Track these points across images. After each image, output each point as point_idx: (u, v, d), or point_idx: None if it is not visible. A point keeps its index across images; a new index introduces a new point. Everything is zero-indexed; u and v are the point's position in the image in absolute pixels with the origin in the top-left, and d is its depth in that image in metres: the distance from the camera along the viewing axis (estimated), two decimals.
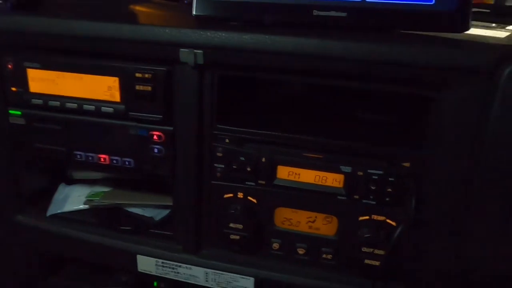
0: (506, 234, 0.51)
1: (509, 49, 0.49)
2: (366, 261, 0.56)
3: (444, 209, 0.53)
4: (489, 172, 0.49)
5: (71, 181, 0.76)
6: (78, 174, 0.76)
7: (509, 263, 0.52)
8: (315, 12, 0.52)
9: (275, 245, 0.62)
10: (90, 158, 0.63)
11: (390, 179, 0.54)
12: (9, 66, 0.61)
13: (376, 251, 0.56)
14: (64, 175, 0.76)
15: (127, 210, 0.70)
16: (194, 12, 0.55)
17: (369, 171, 0.54)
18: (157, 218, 0.69)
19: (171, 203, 0.67)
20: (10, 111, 0.63)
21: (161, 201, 0.69)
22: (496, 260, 0.53)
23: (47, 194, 0.74)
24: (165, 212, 0.70)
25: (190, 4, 0.55)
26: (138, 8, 0.71)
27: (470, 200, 0.51)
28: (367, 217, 0.57)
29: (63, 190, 0.74)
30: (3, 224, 0.71)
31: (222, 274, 0.63)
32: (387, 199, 0.55)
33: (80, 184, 0.75)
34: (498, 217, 0.51)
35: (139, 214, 0.69)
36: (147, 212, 0.69)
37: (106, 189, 0.72)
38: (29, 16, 0.58)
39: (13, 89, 0.62)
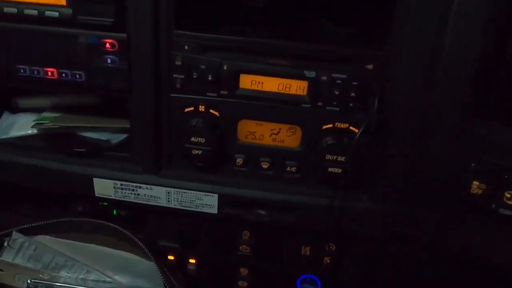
0: (464, 136, 0.53)
1: None
2: (330, 169, 0.56)
3: (406, 110, 0.53)
4: (449, 70, 0.50)
5: (16, 110, 0.70)
6: (24, 102, 0.70)
7: (462, 165, 0.54)
8: None
9: (239, 161, 0.60)
10: (35, 73, 0.58)
11: (353, 82, 0.53)
12: None
13: (339, 158, 0.56)
14: (8, 103, 0.70)
15: (80, 135, 0.65)
16: None
17: (333, 75, 0.53)
18: (114, 141, 0.65)
19: (127, 126, 0.64)
20: None
21: (116, 124, 0.65)
22: (454, 164, 0.54)
23: None
24: (122, 136, 0.66)
25: None
26: None
27: (432, 100, 0.52)
28: (330, 125, 0.56)
29: (7, 118, 0.68)
30: None
31: (184, 192, 0.61)
32: (351, 104, 0.55)
33: (27, 112, 0.70)
34: (455, 120, 0.53)
35: (93, 138, 0.65)
36: (102, 136, 0.65)
37: (56, 114, 0.67)
38: None
39: None
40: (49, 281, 0.65)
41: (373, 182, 0.59)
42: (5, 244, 0.68)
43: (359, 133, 0.53)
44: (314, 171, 0.59)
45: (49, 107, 0.70)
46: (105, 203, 0.68)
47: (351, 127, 0.56)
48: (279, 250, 0.68)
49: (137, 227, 0.69)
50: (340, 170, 0.56)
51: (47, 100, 0.70)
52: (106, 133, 0.66)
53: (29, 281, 0.65)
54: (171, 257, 0.72)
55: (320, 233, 0.63)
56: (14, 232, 0.66)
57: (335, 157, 0.56)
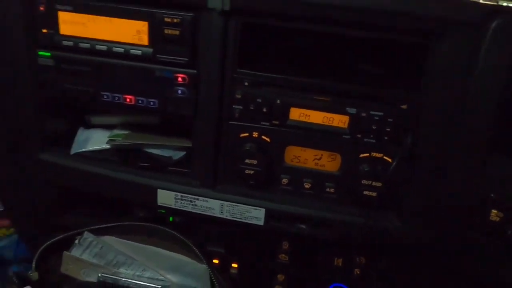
0: (484, 169, 0.61)
1: (496, 5, 0.56)
2: (365, 192, 0.65)
3: (435, 145, 0.61)
4: (474, 114, 0.58)
5: (89, 126, 0.81)
6: (96, 119, 0.81)
7: (482, 194, 0.62)
8: None
9: (284, 180, 0.69)
10: (116, 99, 0.68)
11: (389, 119, 0.62)
12: (41, 8, 0.64)
13: (374, 183, 0.64)
14: (82, 120, 0.81)
15: (146, 151, 0.76)
16: None
17: (371, 112, 0.62)
18: (175, 157, 0.75)
19: (187, 145, 0.74)
20: (40, 52, 0.67)
21: (178, 143, 0.75)
22: (475, 194, 0.62)
23: (67, 137, 0.79)
24: (181, 153, 0.76)
25: None
26: None
27: (457, 138, 0.60)
28: (367, 154, 0.65)
29: (83, 133, 0.79)
30: (28, 162, 0.75)
31: (236, 205, 0.71)
32: (386, 137, 0.63)
33: (99, 128, 0.81)
34: (477, 155, 0.61)
35: (158, 154, 0.75)
36: (165, 153, 0.75)
37: (126, 132, 0.78)
38: None
39: (44, 30, 0.66)
40: (114, 276, 0.76)
41: (402, 205, 0.67)
42: (76, 241, 0.78)
43: (393, 164, 0.62)
44: (350, 193, 0.67)
45: (117, 124, 0.81)
46: (163, 211, 0.78)
47: (385, 157, 0.64)
48: (314, 260, 0.76)
49: (188, 232, 0.79)
50: (374, 194, 0.64)
51: (116, 118, 0.81)
52: (168, 150, 0.76)
53: (99, 275, 0.75)
54: (215, 261, 0.81)
55: (352, 247, 0.72)
56: (85, 232, 0.77)
57: (370, 182, 0.64)
